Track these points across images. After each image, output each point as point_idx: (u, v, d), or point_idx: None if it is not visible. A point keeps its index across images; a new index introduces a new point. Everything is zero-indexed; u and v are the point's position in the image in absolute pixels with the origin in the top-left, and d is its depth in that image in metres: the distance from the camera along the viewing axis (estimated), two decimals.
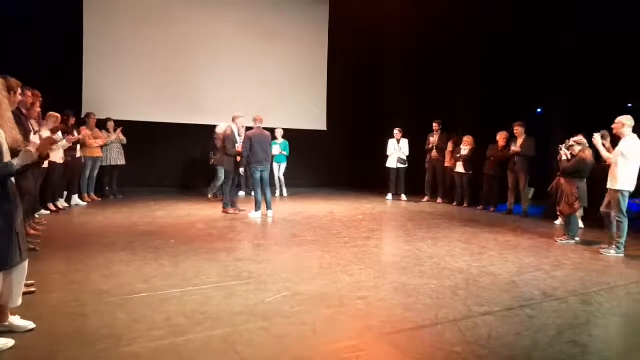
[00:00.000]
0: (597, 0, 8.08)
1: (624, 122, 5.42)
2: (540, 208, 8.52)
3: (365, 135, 11.93)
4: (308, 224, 6.92)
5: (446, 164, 9.70)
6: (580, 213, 7.10)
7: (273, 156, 9.19)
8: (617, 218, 5.45)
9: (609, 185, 5.53)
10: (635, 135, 5.44)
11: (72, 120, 7.74)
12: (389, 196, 10.21)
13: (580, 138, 6.13)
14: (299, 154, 10.39)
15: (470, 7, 9.83)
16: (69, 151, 7.27)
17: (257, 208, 7.34)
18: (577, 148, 6.10)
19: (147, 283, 3.85)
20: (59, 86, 8.36)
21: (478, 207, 9.05)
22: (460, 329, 3.11)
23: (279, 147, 9.98)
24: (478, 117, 9.85)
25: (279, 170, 10.24)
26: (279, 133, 10.00)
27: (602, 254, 5.48)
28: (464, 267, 4.69)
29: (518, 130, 8.25)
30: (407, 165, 10.08)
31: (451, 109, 10.48)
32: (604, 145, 5.91)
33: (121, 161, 9.00)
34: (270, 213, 7.43)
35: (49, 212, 6.95)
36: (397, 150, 10.00)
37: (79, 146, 7.84)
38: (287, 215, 7.69)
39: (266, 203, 7.45)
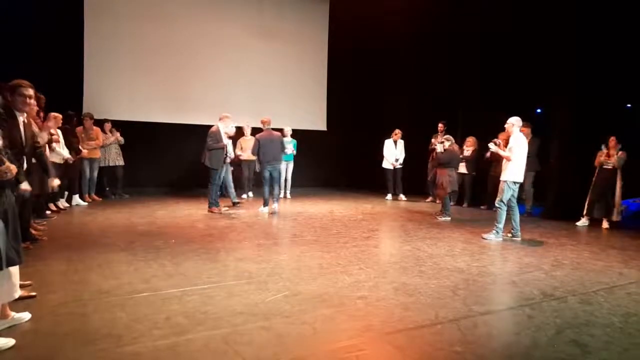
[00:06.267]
0: (598, 1, 8.07)
1: (514, 123, 6.10)
2: (540, 208, 8.52)
3: (365, 136, 11.92)
4: (308, 224, 6.93)
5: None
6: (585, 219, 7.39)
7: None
8: (497, 205, 6.11)
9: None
10: (521, 134, 6.15)
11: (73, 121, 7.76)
12: (389, 196, 10.24)
13: (449, 136, 7.80)
14: (298, 154, 10.38)
15: (470, 7, 9.82)
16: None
17: (265, 204, 7.92)
18: (447, 143, 7.59)
19: (147, 283, 3.85)
20: (59, 86, 8.35)
21: (482, 207, 9.08)
22: (460, 328, 3.11)
23: (291, 146, 9.85)
24: (478, 117, 9.84)
25: (287, 170, 9.98)
26: (287, 132, 9.78)
27: (483, 238, 6.08)
28: (463, 267, 4.69)
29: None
30: (402, 166, 10.12)
31: (451, 109, 10.47)
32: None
33: (120, 162, 9.03)
34: (275, 206, 7.94)
35: (49, 212, 6.96)
36: (393, 151, 10.04)
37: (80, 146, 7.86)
38: (288, 215, 7.70)
39: (273, 197, 7.91)
